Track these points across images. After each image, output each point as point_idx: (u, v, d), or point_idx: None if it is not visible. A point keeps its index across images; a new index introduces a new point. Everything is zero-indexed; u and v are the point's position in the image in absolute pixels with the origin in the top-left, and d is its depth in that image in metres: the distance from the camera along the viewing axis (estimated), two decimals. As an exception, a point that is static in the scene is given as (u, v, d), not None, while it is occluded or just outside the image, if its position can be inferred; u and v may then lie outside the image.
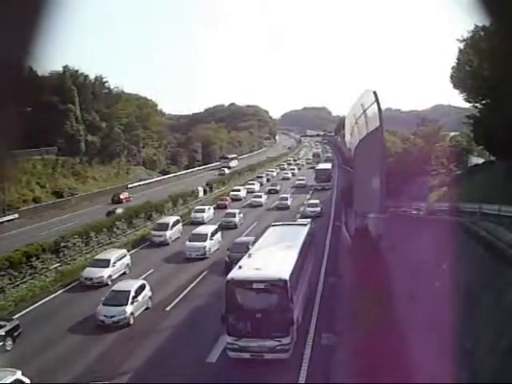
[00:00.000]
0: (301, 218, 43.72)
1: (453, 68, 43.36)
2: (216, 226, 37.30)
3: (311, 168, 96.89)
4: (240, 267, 18.53)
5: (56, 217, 49.83)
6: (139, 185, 75.95)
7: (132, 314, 21.74)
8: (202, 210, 48.09)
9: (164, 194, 55.70)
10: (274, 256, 20.52)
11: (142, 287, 23.38)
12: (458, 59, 41.89)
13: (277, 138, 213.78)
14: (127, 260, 30.09)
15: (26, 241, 31.00)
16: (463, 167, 50.66)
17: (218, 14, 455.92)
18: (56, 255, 29.59)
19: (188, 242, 33.48)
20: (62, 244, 30.38)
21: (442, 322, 13.09)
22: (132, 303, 21.80)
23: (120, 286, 23.31)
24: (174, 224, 39.32)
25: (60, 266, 29.18)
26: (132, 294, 22.08)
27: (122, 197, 61.66)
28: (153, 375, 16.88)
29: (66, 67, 72.70)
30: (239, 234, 38.67)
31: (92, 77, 79.14)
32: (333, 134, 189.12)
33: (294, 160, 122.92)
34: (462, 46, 40.88)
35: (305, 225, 28.61)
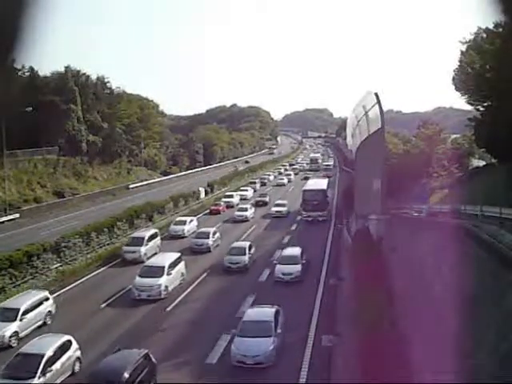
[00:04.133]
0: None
1: (455, 70, 43.32)
2: (178, 254, 29.07)
3: (305, 179, 79.00)
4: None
5: (57, 217, 49.83)
6: (141, 185, 76.05)
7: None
8: (183, 222, 41.47)
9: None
10: None
11: (64, 348, 17.11)
12: (460, 61, 41.83)
13: (278, 139, 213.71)
14: (49, 307, 22.48)
15: (27, 240, 31.03)
16: (464, 169, 50.57)
17: (220, 15, 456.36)
18: (57, 255, 29.60)
19: (138, 278, 25.70)
20: (63, 244, 30.38)
21: (443, 323, 13.07)
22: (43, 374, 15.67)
23: (27, 349, 16.65)
24: (151, 238, 34.07)
25: (61, 265, 29.21)
26: (44, 360, 15.83)
27: None
28: None
29: (67, 67, 72.85)
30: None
31: (94, 77, 79.33)
32: (334, 135, 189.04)
33: (291, 165, 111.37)
34: (464, 47, 40.85)
35: None
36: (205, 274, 30.06)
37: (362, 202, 34.21)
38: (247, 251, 31.08)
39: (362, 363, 13.62)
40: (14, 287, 24.92)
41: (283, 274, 27.84)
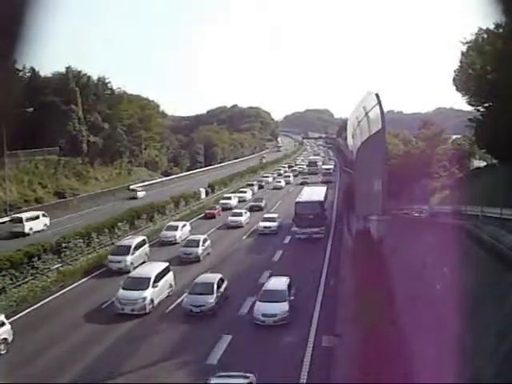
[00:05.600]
0: None
1: (455, 71, 43.27)
2: (166, 264, 27.00)
3: (301, 184, 74.53)
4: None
5: (57, 217, 49.85)
6: (144, 185, 76.10)
7: None
8: (175, 228, 39.23)
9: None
10: None
11: None
12: (460, 62, 41.78)
13: (279, 139, 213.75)
14: (5, 334, 19.17)
15: (28, 241, 31.04)
16: (465, 170, 50.55)
17: (220, 15, 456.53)
18: (57, 256, 29.63)
19: (121, 291, 23.66)
20: (64, 244, 30.42)
21: (443, 324, 13.07)
22: None
23: None
24: (138, 246, 31.81)
25: (61, 266, 29.24)
26: None
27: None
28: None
29: (68, 68, 73.11)
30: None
31: (95, 78, 79.52)
32: (335, 136, 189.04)
33: (290, 166, 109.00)
34: (464, 48, 40.80)
35: None
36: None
37: (362, 203, 34.21)
38: (215, 289, 23.76)
39: (362, 363, 13.63)
40: (14, 288, 24.93)
41: (264, 316, 21.60)
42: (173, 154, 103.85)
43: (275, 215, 45.12)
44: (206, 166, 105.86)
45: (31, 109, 47.38)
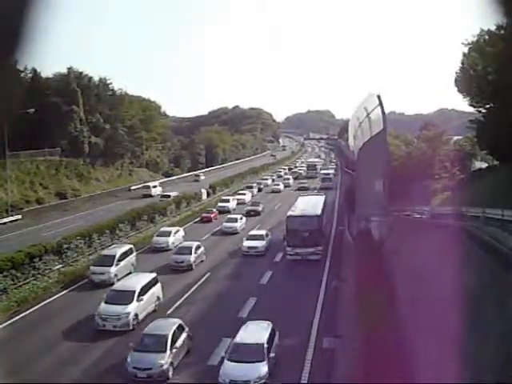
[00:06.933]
0: None
1: (457, 72, 43.29)
2: (153, 275, 24.98)
3: (299, 190, 71.81)
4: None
5: (59, 218, 49.89)
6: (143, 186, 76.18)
7: None
8: (167, 233, 37.38)
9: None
10: None
11: None
12: (462, 63, 41.82)
13: (280, 140, 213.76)
14: None
15: (29, 242, 31.07)
16: (466, 171, 50.56)
17: (221, 15, 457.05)
18: (59, 256, 29.65)
19: (103, 305, 21.89)
20: (65, 245, 30.45)
21: (444, 325, 13.05)
22: None
23: None
24: (123, 256, 29.42)
25: (63, 267, 29.26)
26: None
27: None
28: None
29: (70, 69, 73.15)
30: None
31: (96, 78, 79.48)
32: (336, 137, 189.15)
33: (290, 169, 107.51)
34: (466, 49, 40.84)
35: None
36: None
37: (363, 204, 34.17)
38: (169, 345, 17.74)
39: (362, 365, 13.62)
40: (15, 288, 24.96)
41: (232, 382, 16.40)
42: (174, 155, 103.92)
43: (263, 232, 37.90)
44: (207, 167, 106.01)
45: (33, 110, 47.48)
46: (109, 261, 28.23)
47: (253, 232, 38.52)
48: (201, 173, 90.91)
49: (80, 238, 32.22)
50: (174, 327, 18.75)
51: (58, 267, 28.89)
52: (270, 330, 18.12)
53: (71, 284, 27.93)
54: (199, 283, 28.81)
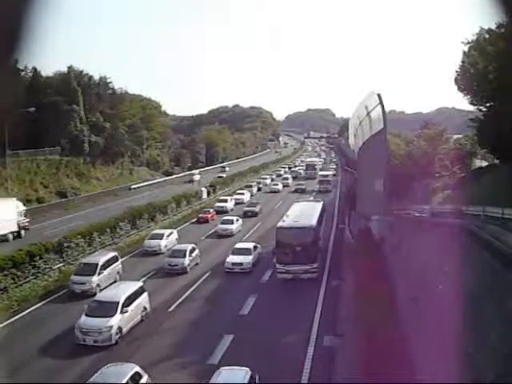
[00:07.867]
0: None
1: (457, 71, 43.21)
2: (140, 284, 23.39)
3: (295, 191, 70.48)
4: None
5: (59, 217, 49.91)
6: (143, 185, 76.26)
7: None
8: (159, 236, 35.86)
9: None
10: None
11: None
12: (462, 62, 41.73)
13: (280, 139, 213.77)
14: None
15: (30, 240, 31.05)
16: (467, 170, 50.50)
17: (221, 15, 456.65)
18: (59, 255, 29.66)
19: (83, 318, 20.00)
20: (65, 244, 30.44)
21: (444, 324, 13.06)
22: None
23: None
24: (107, 264, 27.45)
25: (63, 266, 29.26)
26: None
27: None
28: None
29: (70, 68, 73.16)
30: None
31: (96, 77, 79.55)
32: (336, 135, 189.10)
33: (290, 168, 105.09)
34: (466, 48, 40.74)
35: None
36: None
37: (364, 203, 34.20)
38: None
39: (363, 363, 13.63)
40: (16, 287, 24.97)
41: None
42: (174, 154, 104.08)
43: (250, 245, 32.92)
44: (207, 166, 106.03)
45: (33, 109, 47.48)
46: (91, 269, 26.25)
47: (239, 245, 33.47)
48: (196, 172, 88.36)
49: (80, 236, 32.22)
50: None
51: (58, 266, 28.87)
52: (248, 378, 14.26)
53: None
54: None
